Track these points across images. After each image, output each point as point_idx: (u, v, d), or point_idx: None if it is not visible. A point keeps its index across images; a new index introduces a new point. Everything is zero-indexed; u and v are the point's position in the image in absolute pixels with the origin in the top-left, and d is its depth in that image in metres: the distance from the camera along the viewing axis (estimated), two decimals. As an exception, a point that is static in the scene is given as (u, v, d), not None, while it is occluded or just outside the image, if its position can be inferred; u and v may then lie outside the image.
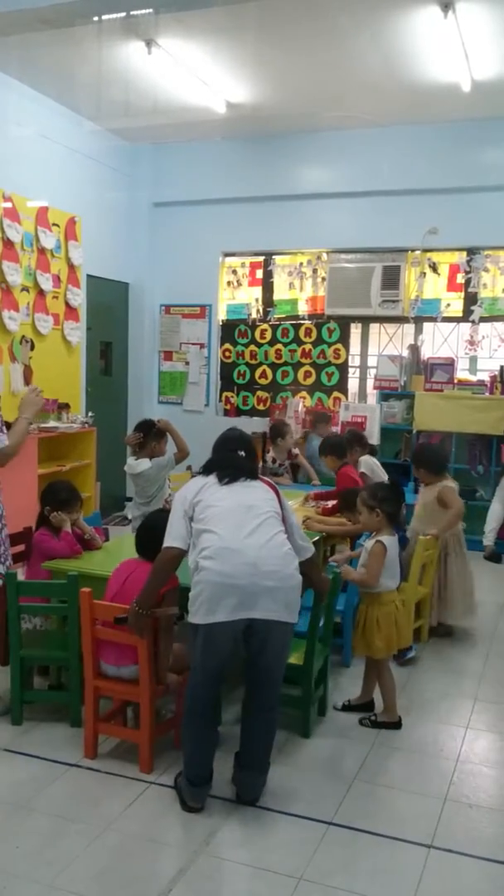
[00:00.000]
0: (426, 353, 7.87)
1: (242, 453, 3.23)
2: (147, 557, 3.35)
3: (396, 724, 3.75)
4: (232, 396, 8.70)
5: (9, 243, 6.52)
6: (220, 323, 8.69)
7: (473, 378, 7.66)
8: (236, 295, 8.64)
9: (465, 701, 4.10)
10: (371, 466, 5.78)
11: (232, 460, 3.19)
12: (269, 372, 8.51)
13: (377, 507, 3.77)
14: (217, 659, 2.95)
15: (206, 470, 3.18)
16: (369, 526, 3.84)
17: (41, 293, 6.98)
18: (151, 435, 5.20)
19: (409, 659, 4.52)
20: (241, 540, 2.92)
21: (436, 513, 4.91)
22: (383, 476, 5.69)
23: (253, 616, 2.86)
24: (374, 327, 8.23)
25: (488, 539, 6.89)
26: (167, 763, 3.28)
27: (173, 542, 3.03)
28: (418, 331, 8.01)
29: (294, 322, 8.35)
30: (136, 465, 5.13)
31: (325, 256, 8.17)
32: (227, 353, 8.68)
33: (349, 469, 5.48)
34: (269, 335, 8.46)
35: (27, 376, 6.83)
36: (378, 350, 8.20)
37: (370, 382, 8.16)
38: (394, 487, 3.97)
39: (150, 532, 3.39)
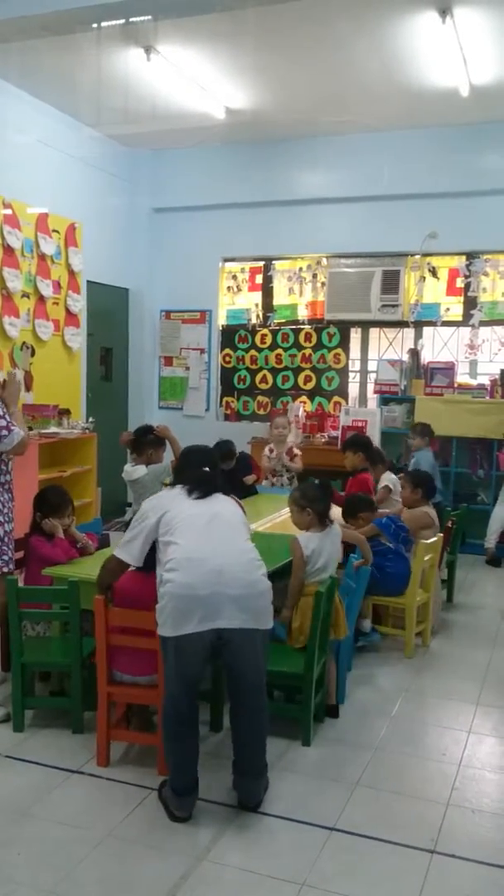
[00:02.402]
0: (426, 357, 7.87)
1: (207, 469, 3.29)
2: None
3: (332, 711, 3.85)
4: (232, 401, 8.70)
5: (9, 250, 6.53)
6: (221, 328, 8.70)
7: (473, 382, 7.67)
8: (236, 300, 8.65)
9: (467, 705, 4.08)
10: (395, 482, 5.62)
11: (201, 475, 3.24)
12: (269, 377, 8.52)
13: (308, 506, 3.96)
14: (191, 668, 2.94)
15: (175, 483, 3.27)
16: (300, 524, 4.02)
17: (41, 299, 6.99)
18: (148, 441, 5.18)
19: (360, 646, 4.58)
20: (205, 548, 2.95)
21: None
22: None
23: (219, 626, 2.87)
24: (373, 332, 8.24)
25: (490, 542, 6.89)
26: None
27: (122, 555, 3.15)
28: (418, 335, 8.02)
29: (294, 327, 8.36)
30: (133, 471, 5.13)
31: (324, 261, 8.18)
32: (227, 358, 8.69)
33: (367, 476, 5.41)
34: (269, 340, 8.47)
35: (28, 382, 6.84)
36: (378, 354, 8.20)
37: (370, 387, 8.16)
38: (323, 488, 4.13)
39: None
